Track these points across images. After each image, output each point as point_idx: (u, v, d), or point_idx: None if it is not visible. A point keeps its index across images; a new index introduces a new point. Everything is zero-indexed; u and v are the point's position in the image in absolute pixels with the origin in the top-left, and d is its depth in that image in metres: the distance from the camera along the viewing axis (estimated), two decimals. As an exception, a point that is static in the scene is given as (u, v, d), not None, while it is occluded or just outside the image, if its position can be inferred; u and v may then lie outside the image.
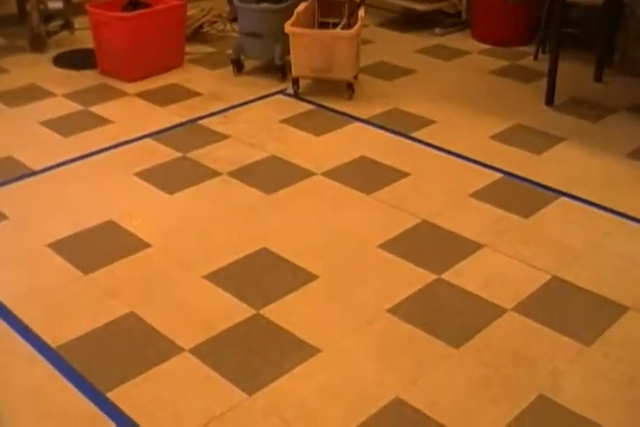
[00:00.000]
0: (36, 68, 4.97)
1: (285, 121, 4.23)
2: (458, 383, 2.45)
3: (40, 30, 5.17)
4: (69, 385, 2.45)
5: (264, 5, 4.65)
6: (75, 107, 4.44)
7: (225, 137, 4.05)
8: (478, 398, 2.39)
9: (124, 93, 4.61)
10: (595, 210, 3.37)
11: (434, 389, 2.43)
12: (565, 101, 4.44)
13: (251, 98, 4.52)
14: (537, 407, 2.36)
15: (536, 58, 5.07)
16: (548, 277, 2.95)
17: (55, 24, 5.30)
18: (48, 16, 5.23)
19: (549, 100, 4.39)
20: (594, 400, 2.38)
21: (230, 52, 4.87)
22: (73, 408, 2.37)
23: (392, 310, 2.77)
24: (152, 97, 4.56)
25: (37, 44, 5.20)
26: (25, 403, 2.39)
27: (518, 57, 5.13)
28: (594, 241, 3.16)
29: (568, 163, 3.78)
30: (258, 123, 4.21)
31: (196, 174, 3.69)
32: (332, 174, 3.67)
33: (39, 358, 2.57)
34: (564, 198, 3.46)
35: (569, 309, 2.78)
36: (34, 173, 3.72)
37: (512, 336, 2.65)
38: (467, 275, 2.96)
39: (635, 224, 3.28)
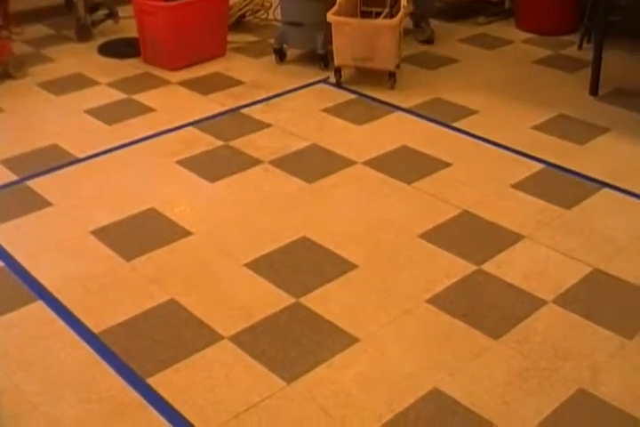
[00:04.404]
0: (81, 57, 5.03)
1: (327, 110, 4.23)
2: (496, 375, 2.44)
3: (86, 20, 5.23)
4: (110, 370, 2.49)
5: (307, -6, 4.65)
6: (118, 95, 4.48)
7: (267, 126, 4.06)
8: (517, 390, 2.38)
9: (166, 82, 4.64)
10: (639, 201, 3.34)
11: (472, 380, 2.43)
12: (610, 91, 4.38)
13: (293, 87, 4.52)
14: (576, 401, 2.34)
15: (580, 47, 4.99)
16: (590, 269, 2.92)
17: (100, 13, 5.36)
18: (93, 6, 5.30)
19: (594, 90, 4.33)
20: (634, 395, 2.36)
21: (273, 41, 4.88)
22: (114, 394, 2.40)
23: (431, 301, 2.77)
24: (195, 86, 4.58)
25: (83, 34, 5.26)
26: (66, 388, 2.43)
27: (562, 46, 5.07)
28: (637, 233, 3.12)
29: (612, 153, 3.73)
30: (300, 112, 4.22)
31: (237, 163, 3.71)
32: (373, 164, 3.67)
33: (81, 343, 2.61)
34: (607, 189, 3.43)
35: (610, 302, 2.76)
36: (78, 161, 3.77)
37: (552, 329, 2.63)
38: (507, 266, 2.95)
39: (679, 216, 3.24)
